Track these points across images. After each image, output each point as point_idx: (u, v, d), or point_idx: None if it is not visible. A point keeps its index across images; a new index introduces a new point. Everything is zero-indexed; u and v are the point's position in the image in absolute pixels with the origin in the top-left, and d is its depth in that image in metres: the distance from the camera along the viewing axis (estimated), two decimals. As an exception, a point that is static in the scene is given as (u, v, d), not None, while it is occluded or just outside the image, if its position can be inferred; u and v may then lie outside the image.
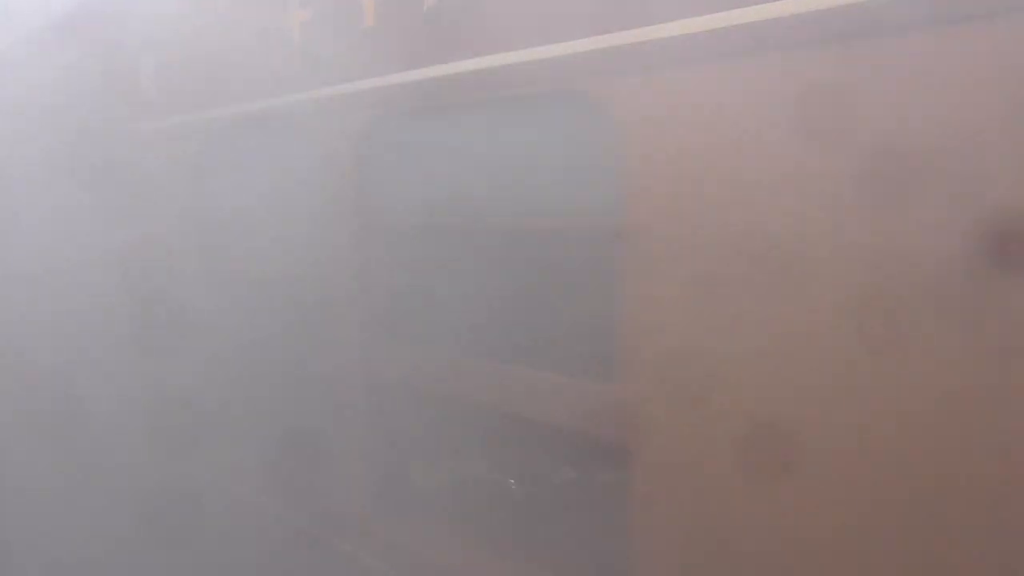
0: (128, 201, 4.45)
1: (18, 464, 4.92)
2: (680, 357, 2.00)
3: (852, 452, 1.72)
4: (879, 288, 1.66)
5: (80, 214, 4.90)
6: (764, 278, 1.83)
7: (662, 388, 2.05)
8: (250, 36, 3.41)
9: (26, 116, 5.34)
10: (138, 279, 4.45)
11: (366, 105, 2.78)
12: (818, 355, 1.76)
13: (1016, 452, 1.51)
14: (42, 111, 5.13)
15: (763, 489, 1.87)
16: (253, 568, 3.67)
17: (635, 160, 2.04)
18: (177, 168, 4.02)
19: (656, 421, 2.07)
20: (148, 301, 4.39)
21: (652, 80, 1.98)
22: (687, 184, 1.94)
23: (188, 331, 4.05)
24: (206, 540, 3.92)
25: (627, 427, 2.13)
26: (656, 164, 2.00)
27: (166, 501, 4.01)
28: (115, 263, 4.66)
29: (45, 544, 4.85)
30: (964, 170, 1.53)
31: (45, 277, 5.36)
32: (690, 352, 1.98)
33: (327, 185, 3.03)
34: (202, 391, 3.93)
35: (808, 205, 1.74)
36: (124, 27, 4.33)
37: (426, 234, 2.83)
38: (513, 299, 2.58)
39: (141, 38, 4.21)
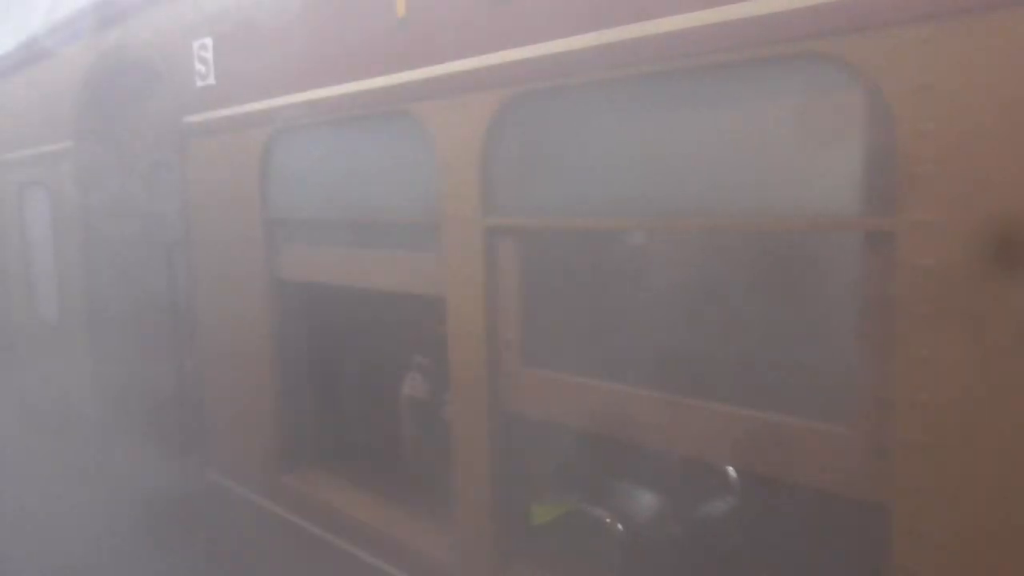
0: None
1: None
2: (969, 397, 1.54)
3: None
4: None
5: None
6: None
7: (940, 436, 1.62)
8: (336, 7, 2.91)
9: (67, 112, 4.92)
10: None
11: (501, 82, 2.28)
12: None
13: None
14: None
15: None
16: None
17: (909, 139, 1.57)
18: (242, 166, 3.53)
19: (929, 478, 1.66)
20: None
21: (936, 35, 1.49)
22: (989, 169, 1.47)
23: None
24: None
25: (885, 483, 1.74)
26: (944, 143, 1.53)
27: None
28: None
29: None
30: None
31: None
32: (982, 391, 1.54)
33: (444, 182, 2.52)
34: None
35: None
36: (176, 5, 3.84)
37: (591, 240, 2.32)
38: (727, 320, 2.09)
39: (196, 16, 3.70)
